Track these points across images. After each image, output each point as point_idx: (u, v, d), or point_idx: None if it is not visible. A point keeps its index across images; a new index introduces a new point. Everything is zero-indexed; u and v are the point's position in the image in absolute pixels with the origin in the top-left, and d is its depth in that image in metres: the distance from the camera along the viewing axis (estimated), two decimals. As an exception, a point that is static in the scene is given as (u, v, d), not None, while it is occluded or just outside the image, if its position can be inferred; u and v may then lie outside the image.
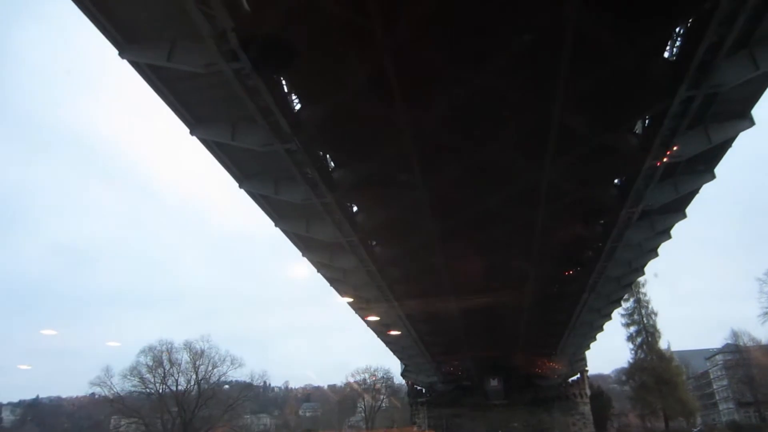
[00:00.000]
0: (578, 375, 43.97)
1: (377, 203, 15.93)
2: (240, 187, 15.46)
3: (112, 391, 43.36)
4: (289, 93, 11.87)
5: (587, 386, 43.91)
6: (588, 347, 39.29)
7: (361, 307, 26.21)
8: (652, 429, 53.98)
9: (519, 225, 16.67)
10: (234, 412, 47.93)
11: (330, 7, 8.95)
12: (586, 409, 42.98)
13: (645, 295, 50.75)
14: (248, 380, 49.82)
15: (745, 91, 13.35)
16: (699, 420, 61.71)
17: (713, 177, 16.55)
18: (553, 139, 12.30)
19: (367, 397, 69.77)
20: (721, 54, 10.29)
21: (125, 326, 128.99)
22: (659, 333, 49.83)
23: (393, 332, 29.07)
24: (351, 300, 25.03)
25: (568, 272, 21.29)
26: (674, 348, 76.68)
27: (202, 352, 46.03)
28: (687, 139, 13.93)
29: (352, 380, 74.82)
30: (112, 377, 43.67)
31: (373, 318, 26.76)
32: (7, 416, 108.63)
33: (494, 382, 39.45)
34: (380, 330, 30.68)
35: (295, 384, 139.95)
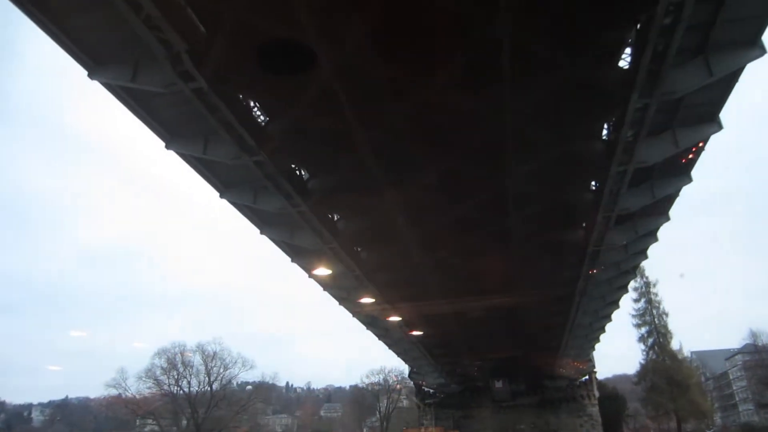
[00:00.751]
0: (587, 376, 43.74)
1: (352, 211, 16.33)
2: (221, 197, 16.01)
3: (127, 393, 44.69)
4: (254, 107, 12.40)
5: (595, 388, 43.63)
6: (593, 349, 39.13)
7: (356, 311, 26.72)
8: (666, 431, 53.40)
9: (494, 231, 16.88)
10: (246, 412, 48.64)
11: (271, 30, 9.38)
12: (594, 410, 42.73)
13: (656, 295, 50.33)
14: (260, 381, 49.96)
15: (712, 96, 13.45)
16: (718, 421, 60.74)
17: (690, 180, 16.56)
18: (510, 149, 12.55)
19: (382, 397, 70.21)
20: (667, 63, 10.40)
21: (150, 327, 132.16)
22: (671, 334, 49.35)
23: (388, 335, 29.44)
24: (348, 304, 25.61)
25: (556, 276, 21.34)
26: (694, 348, 75.77)
27: (214, 354, 47.01)
28: (653, 145, 14.07)
29: (367, 381, 75.47)
30: (126, 379, 44.96)
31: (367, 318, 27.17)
32: (37, 416, 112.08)
33: (499, 384, 39.59)
34: (380, 333, 31.09)
35: (318, 385, 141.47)
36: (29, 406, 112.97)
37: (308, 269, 21.49)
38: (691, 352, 74.26)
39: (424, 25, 9.21)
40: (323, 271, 20.43)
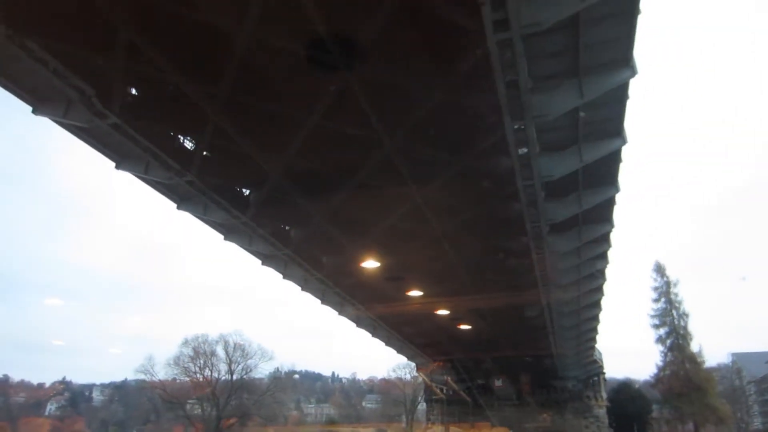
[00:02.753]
0: (596, 377, 43.52)
1: (294, 221, 17.71)
2: (178, 208, 17.76)
3: (155, 378, 48.33)
4: (180, 135, 14.02)
5: (603, 389, 43.34)
6: (592, 349, 38.89)
7: (344, 313, 28.16)
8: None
9: (427, 240, 17.87)
10: (263, 401, 51.14)
11: (156, 74, 10.93)
12: (601, 412, 42.51)
13: (677, 295, 48.95)
14: (279, 371, 52.36)
15: (613, 112, 14.01)
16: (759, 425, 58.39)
17: (617, 190, 17.00)
18: (407, 167, 13.63)
19: (408, 390, 71.31)
20: (523, 91, 11.19)
21: (201, 315, 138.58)
22: (691, 335, 47.91)
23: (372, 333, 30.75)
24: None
25: (513, 280, 22.00)
26: (733, 350, 72.69)
27: (235, 345, 49.72)
28: (558, 160, 14.76)
29: (393, 375, 76.67)
30: (154, 366, 48.49)
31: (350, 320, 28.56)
32: (97, 396, 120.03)
33: (499, 383, 40.09)
34: (370, 332, 32.38)
35: (362, 376, 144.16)
36: (91, 386, 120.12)
37: (282, 273, 23.11)
38: (732, 354, 71.60)
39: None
40: (293, 273, 22.06)
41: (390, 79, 11.08)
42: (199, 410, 47.83)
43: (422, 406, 67.52)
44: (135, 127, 12.43)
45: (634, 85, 12.73)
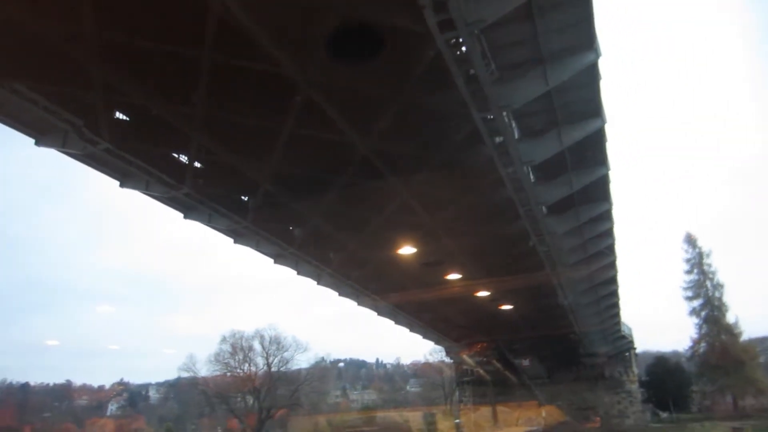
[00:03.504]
0: (627, 353, 43.14)
1: (289, 222, 18.39)
2: (185, 218, 18.68)
3: (198, 375, 50.70)
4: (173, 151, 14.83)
5: (634, 364, 42.92)
6: (618, 325, 38.50)
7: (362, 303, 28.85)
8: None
9: (424, 231, 18.31)
10: (302, 391, 52.70)
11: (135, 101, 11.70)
12: (634, 387, 42.21)
13: (710, 266, 47.77)
14: (313, 362, 53.77)
15: (588, 94, 14.11)
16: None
17: (608, 168, 17.03)
18: (386, 166, 14.09)
19: (446, 373, 71.87)
20: (484, 84, 11.44)
21: (240, 312, 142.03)
22: (726, 307, 46.75)
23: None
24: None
25: (521, 262, 22.20)
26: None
27: (271, 338, 51.32)
28: (538, 144, 14.96)
29: (431, 359, 77.29)
30: (195, 363, 50.73)
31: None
32: (153, 394, 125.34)
33: (526, 362, 40.21)
34: (393, 320, 33.00)
35: (407, 360, 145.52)
36: (147, 386, 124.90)
37: (295, 270, 23.93)
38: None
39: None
40: (304, 270, 22.84)
41: (350, 86, 11.52)
42: (242, 404, 49.72)
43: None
44: (126, 150, 13.27)
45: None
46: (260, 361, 50.83)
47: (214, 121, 12.44)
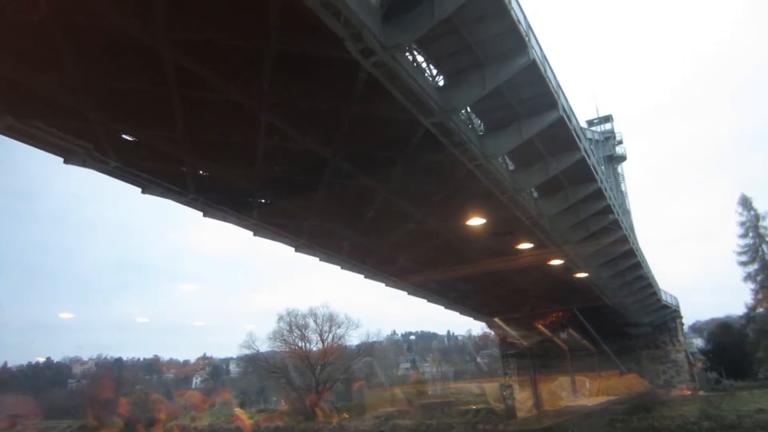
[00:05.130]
0: (672, 322, 42.39)
1: (289, 217, 20.29)
2: (204, 216, 21.08)
3: (257, 352, 54.89)
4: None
5: (680, 334, 42.06)
6: (654, 295, 37.93)
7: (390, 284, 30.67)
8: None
9: (413, 219, 19.73)
10: (355, 366, 55.58)
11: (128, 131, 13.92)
12: (680, 356, 41.47)
13: (766, 229, 45.41)
14: (365, 339, 56.30)
15: (537, 89, 14.88)
16: None
17: (581, 153, 17.59)
18: (356, 168, 15.64)
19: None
20: (420, 93, 12.63)
21: (318, 288, 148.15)
22: (784, 271, 44.46)
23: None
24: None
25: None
26: None
27: (324, 316, 54.41)
28: (500, 137, 15.93)
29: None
30: (255, 341, 54.97)
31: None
32: (233, 369, 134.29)
33: (564, 335, 40.55)
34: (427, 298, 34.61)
35: (478, 332, 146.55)
36: (228, 360, 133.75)
37: (318, 257, 26.03)
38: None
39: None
40: (326, 259, 24.93)
41: (302, 106, 13.13)
42: (300, 379, 53.38)
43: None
44: (133, 167, 15.69)
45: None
46: (315, 338, 54.08)
47: (198, 142, 14.45)
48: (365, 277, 29.41)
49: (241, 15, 10.53)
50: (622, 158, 50.94)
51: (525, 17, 13.25)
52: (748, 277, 45.78)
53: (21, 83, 11.86)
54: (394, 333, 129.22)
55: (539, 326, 40.15)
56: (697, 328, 78.61)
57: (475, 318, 44.72)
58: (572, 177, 19.32)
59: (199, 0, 10.30)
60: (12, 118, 13.00)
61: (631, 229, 48.77)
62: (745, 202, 46.62)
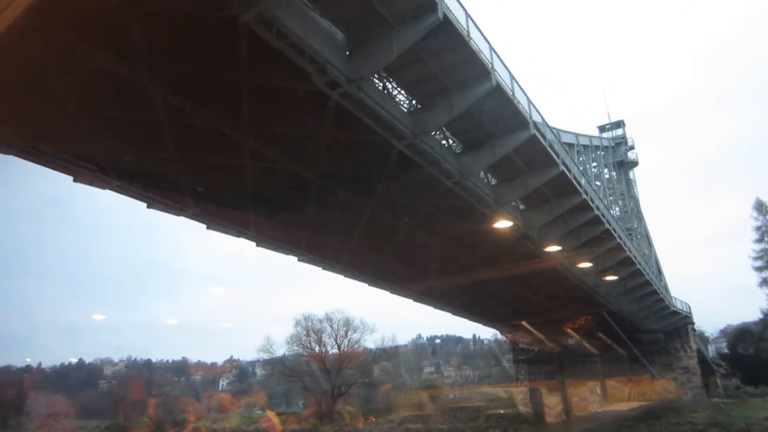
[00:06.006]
0: (683, 328, 42.11)
1: (282, 230, 21.36)
2: (207, 228, 22.31)
3: (274, 356, 56.30)
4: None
5: (692, 340, 41.72)
6: (661, 302, 37.79)
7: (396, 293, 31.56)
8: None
9: (402, 233, 20.58)
10: (373, 372, 56.41)
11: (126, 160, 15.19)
12: (691, 363, 41.12)
13: (782, 233, 44.65)
14: (380, 343, 56.99)
15: (506, 111, 15.59)
16: None
17: (560, 168, 18.20)
18: (336, 185, 16.60)
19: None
20: (388, 119, 13.54)
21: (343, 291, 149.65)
22: (801, 276, 43.62)
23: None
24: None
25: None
26: None
27: (340, 321, 55.43)
28: (476, 156, 16.70)
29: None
30: (272, 345, 56.44)
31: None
32: (260, 371, 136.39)
33: (571, 341, 40.68)
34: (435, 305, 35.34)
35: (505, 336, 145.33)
36: (254, 363, 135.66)
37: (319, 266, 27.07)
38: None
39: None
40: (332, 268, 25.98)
41: (280, 132, 14.20)
42: (315, 383, 54.57)
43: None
44: (134, 185, 16.98)
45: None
46: (330, 343, 55.16)
47: (191, 163, 15.65)
48: (369, 285, 30.41)
49: (214, 53, 11.64)
50: (634, 164, 50.66)
51: (489, 45, 14.09)
52: (764, 282, 45.15)
53: (28, 115, 13.23)
54: (419, 336, 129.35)
55: (554, 330, 40.32)
56: (728, 333, 77.31)
57: (483, 324, 45.19)
58: (556, 190, 19.88)
59: (177, 40, 11.43)
60: (21, 144, 14.40)
61: (644, 234, 48.69)
62: (761, 207, 45.98)
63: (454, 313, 38.09)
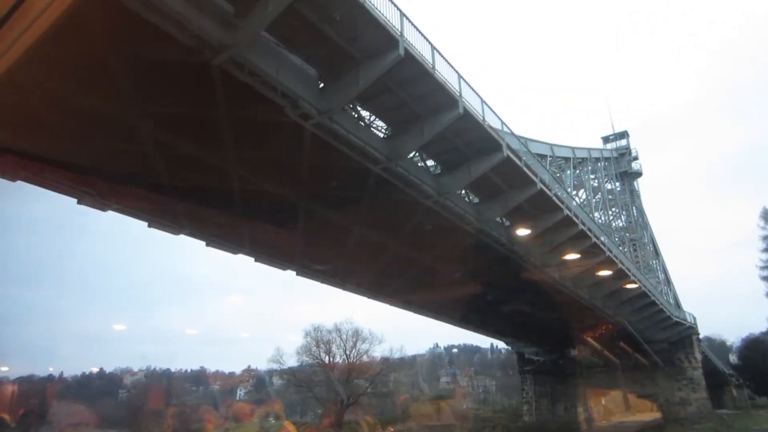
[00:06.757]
0: (688, 339, 41.96)
1: (274, 248, 22.31)
2: (206, 245, 23.38)
3: (284, 367, 57.27)
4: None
5: (697, 351, 41.53)
6: (661, 312, 37.78)
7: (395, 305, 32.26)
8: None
9: (385, 247, 21.39)
10: (384, 380, 56.97)
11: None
12: (696, 374, 40.91)
13: (790, 243, 44.14)
14: (388, 354, 57.49)
15: (479, 135, 16.39)
16: None
17: (536, 187, 18.84)
18: (319, 207, 17.53)
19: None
20: (360, 146, 14.45)
21: (360, 300, 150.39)
22: (809, 286, 43.07)
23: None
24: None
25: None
26: None
27: (348, 331, 56.22)
28: (454, 176, 17.49)
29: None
30: (282, 355, 57.48)
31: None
32: (277, 381, 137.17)
33: (574, 352, 40.85)
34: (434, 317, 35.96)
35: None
36: (271, 372, 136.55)
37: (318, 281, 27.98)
38: None
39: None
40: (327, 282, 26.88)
41: (263, 158, 15.19)
42: (325, 393, 55.40)
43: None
44: (132, 207, 18.12)
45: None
46: (339, 353, 55.97)
47: (181, 189, 16.69)
48: (368, 298, 31.19)
49: (193, 91, 12.68)
50: (638, 174, 50.73)
51: (458, 74, 14.94)
52: (771, 292, 44.67)
53: (28, 149, 14.43)
54: (437, 346, 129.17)
55: (560, 341, 40.56)
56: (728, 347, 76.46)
57: (486, 335, 45.56)
58: (538, 207, 20.51)
59: (159, 81, 12.49)
60: (24, 173, 15.60)
61: (651, 242, 48.67)
62: (767, 216, 45.63)
63: (455, 325, 38.59)
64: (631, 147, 50.72)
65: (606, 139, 52.55)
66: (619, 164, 48.11)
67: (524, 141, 27.47)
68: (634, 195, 49.77)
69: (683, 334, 41.77)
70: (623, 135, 52.32)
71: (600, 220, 40.90)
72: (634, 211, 48.29)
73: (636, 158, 50.60)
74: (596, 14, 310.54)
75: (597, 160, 41.43)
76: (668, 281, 51.88)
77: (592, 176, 40.57)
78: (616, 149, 49.83)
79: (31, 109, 12.17)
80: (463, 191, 19.50)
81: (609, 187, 44.71)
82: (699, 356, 41.85)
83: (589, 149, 39.91)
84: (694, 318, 42.88)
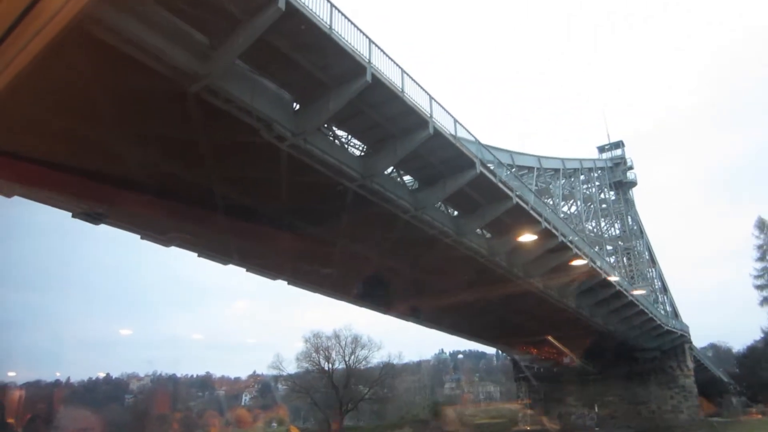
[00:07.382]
0: (680, 347, 42.27)
1: (264, 259, 23.08)
2: (198, 257, 24.19)
3: (284, 373, 57.99)
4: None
5: (689, 359, 41.80)
6: (651, 321, 38.13)
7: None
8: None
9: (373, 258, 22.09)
10: (378, 387, 57.45)
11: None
12: (688, 381, 41.20)
13: (783, 252, 44.43)
14: (387, 360, 57.90)
15: (451, 152, 17.07)
16: None
17: (513, 201, 19.50)
18: (304, 222, 18.28)
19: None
20: (332, 165, 15.19)
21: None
22: (802, 295, 43.32)
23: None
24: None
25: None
26: None
27: (347, 338, 56.83)
28: (430, 192, 18.20)
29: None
30: (282, 362, 58.22)
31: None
32: (282, 386, 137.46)
33: (567, 360, 41.23)
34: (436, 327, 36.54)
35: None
36: (277, 377, 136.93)
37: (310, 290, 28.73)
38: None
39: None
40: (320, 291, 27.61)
41: (244, 177, 15.97)
42: (324, 399, 56.04)
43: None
44: (125, 221, 18.96)
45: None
46: (338, 359, 56.60)
47: (168, 206, 17.49)
48: (358, 306, 31.82)
49: (172, 114, 13.45)
50: (633, 183, 51.14)
51: (429, 96, 15.68)
52: (765, 300, 44.91)
53: (22, 171, 15.29)
54: (442, 351, 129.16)
55: (553, 349, 40.95)
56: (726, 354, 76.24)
57: (478, 342, 46.05)
58: (516, 219, 21.15)
59: (138, 104, 13.28)
60: (20, 188, 16.49)
61: (647, 250, 49.02)
62: (762, 225, 45.85)
63: (445, 332, 39.17)
64: (627, 157, 51.26)
65: (602, 149, 53.07)
66: (613, 174, 48.59)
67: (511, 154, 28.35)
68: (629, 204, 50.19)
69: (675, 342, 42.07)
70: (618, 145, 52.80)
71: (592, 230, 41.40)
72: (629, 220, 48.67)
73: (631, 167, 51.08)
74: (593, 23, 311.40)
75: (590, 170, 41.94)
76: (665, 289, 52.11)
77: (584, 186, 41.07)
78: (611, 159, 50.33)
79: (17, 136, 13.03)
80: (443, 205, 20.16)
81: (603, 196, 45.15)
82: (691, 364, 42.12)
83: (581, 160, 40.48)
84: (687, 327, 43.18)
